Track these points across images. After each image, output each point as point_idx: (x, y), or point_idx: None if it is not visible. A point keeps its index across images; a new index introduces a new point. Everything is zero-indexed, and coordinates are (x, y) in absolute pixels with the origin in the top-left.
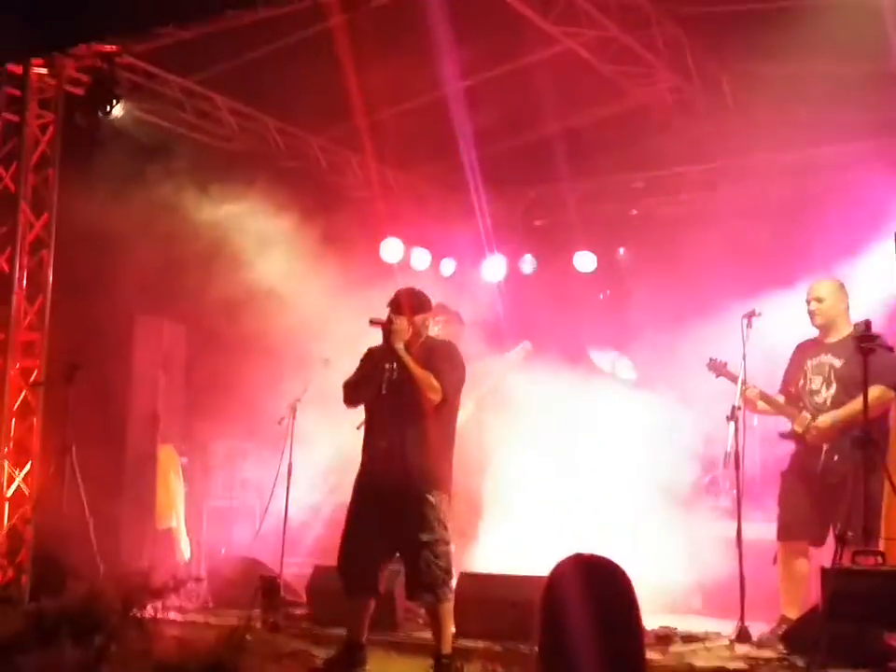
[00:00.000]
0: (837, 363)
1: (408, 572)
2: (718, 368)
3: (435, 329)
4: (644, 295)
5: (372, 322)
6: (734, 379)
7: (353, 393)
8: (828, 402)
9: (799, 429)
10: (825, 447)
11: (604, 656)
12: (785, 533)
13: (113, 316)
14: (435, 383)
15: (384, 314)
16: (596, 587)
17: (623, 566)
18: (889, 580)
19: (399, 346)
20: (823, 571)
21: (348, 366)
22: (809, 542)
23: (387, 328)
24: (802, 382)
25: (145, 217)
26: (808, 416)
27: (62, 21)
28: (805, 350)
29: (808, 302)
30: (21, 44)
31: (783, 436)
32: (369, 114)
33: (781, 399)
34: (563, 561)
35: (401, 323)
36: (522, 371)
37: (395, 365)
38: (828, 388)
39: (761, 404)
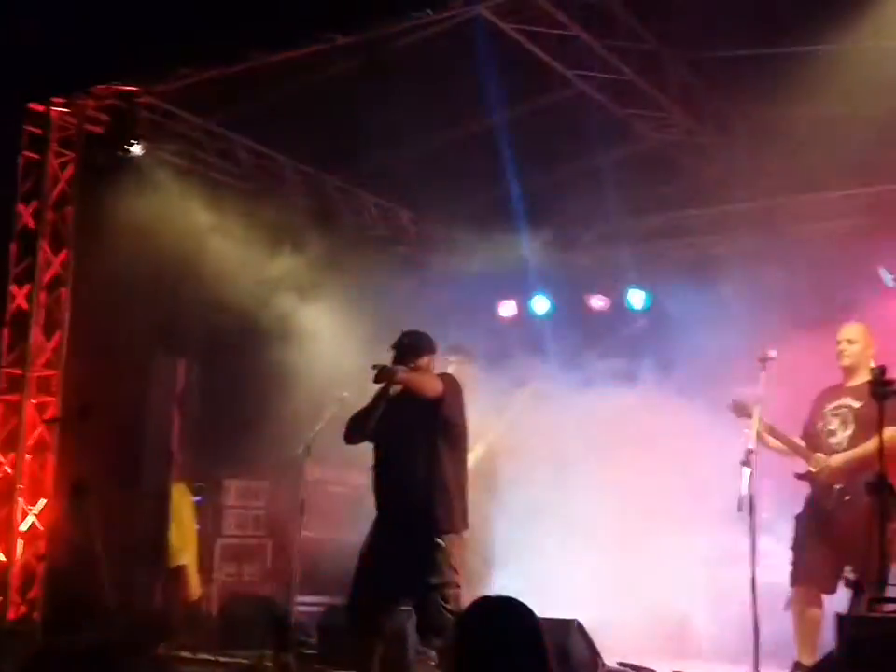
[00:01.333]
0: (856, 405)
1: (418, 615)
2: (740, 409)
3: (449, 370)
4: (660, 336)
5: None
6: (747, 415)
7: (351, 428)
8: (844, 443)
9: (814, 469)
10: (837, 487)
11: None
12: (798, 578)
13: (129, 355)
14: (433, 380)
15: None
16: (504, 625)
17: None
18: None
19: (398, 376)
20: (839, 618)
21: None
22: (821, 589)
23: (383, 378)
24: (820, 424)
25: (162, 257)
26: (823, 456)
27: (82, 62)
28: (824, 396)
29: (839, 342)
30: (42, 83)
31: (799, 477)
32: (382, 155)
33: (798, 441)
34: (472, 603)
35: (392, 370)
36: (530, 412)
37: (399, 406)
38: (845, 429)
39: (772, 440)
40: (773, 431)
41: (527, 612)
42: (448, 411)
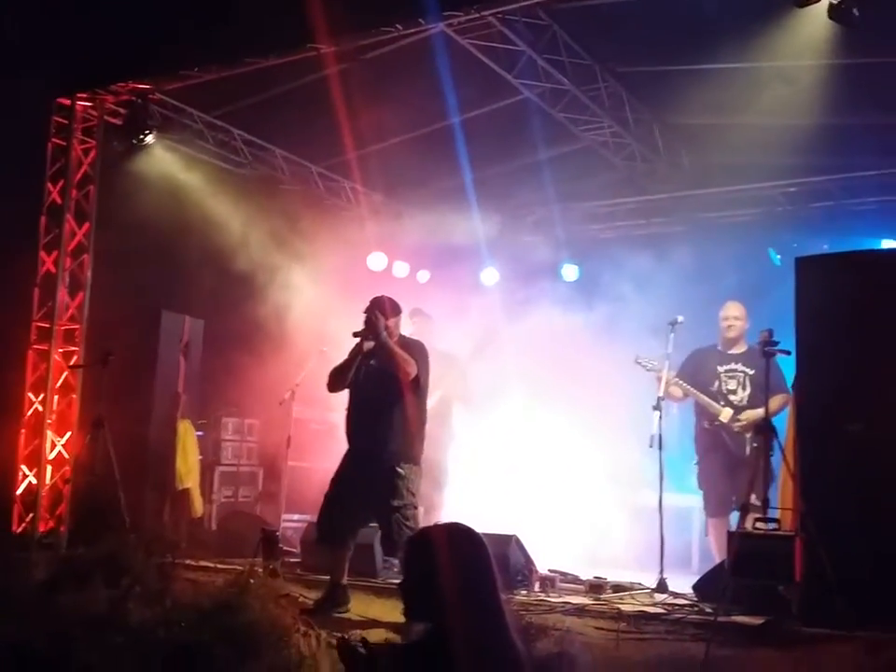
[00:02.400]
0: (750, 371)
1: (383, 532)
2: (645, 364)
3: (410, 329)
4: (588, 304)
5: (356, 335)
6: (658, 372)
7: (333, 380)
8: (744, 401)
9: (724, 420)
10: (748, 435)
11: (461, 595)
12: (713, 511)
13: (142, 311)
14: (410, 359)
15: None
16: (455, 544)
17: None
18: (783, 542)
19: (384, 334)
20: (729, 534)
21: (341, 357)
22: (728, 514)
23: (372, 325)
24: (717, 384)
25: (170, 229)
26: (731, 411)
27: (103, 62)
28: (709, 357)
29: (726, 318)
30: (68, 80)
31: (710, 425)
32: (359, 147)
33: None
34: (430, 526)
35: (380, 319)
36: (481, 361)
37: (367, 360)
38: (744, 390)
39: (678, 392)
40: (683, 388)
41: (476, 535)
42: (417, 373)
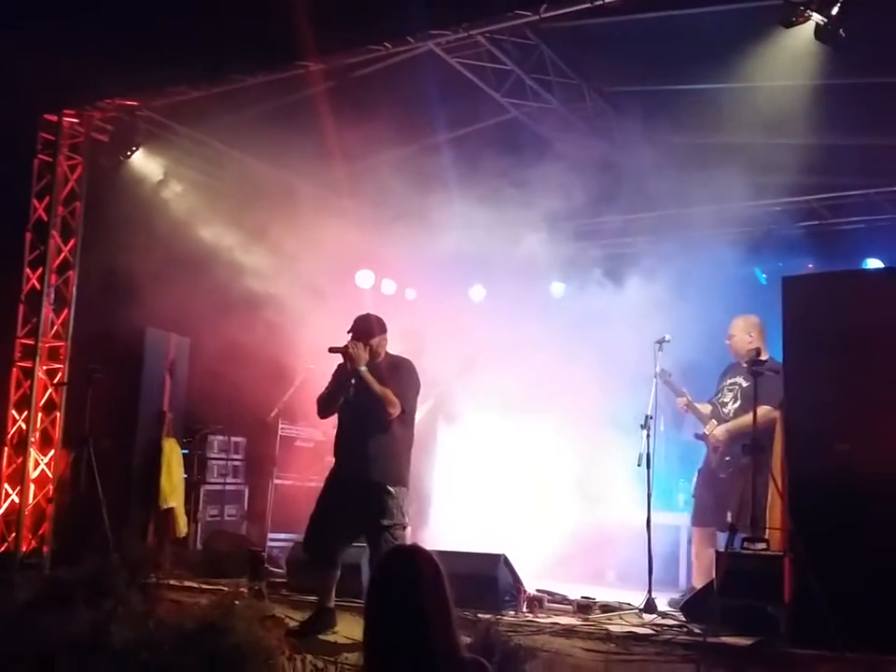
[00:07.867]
0: (745, 384)
1: (371, 551)
2: (664, 376)
3: (400, 347)
4: (575, 321)
5: (331, 350)
6: (675, 390)
7: (322, 407)
8: (731, 414)
9: (707, 433)
10: (720, 448)
11: (416, 619)
12: (697, 520)
13: (128, 328)
14: (394, 398)
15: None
16: (412, 569)
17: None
18: (771, 563)
19: (363, 370)
20: (717, 554)
21: (328, 374)
22: (717, 528)
23: (345, 354)
24: (718, 396)
25: (156, 245)
26: (714, 423)
27: (91, 80)
28: (727, 371)
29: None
30: (55, 97)
31: (697, 437)
32: (347, 163)
33: (708, 407)
34: (389, 551)
35: (358, 349)
36: (466, 377)
37: (354, 382)
38: (734, 403)
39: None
40: (690, 405)
41: (430, 558)
42: (405, 402)
